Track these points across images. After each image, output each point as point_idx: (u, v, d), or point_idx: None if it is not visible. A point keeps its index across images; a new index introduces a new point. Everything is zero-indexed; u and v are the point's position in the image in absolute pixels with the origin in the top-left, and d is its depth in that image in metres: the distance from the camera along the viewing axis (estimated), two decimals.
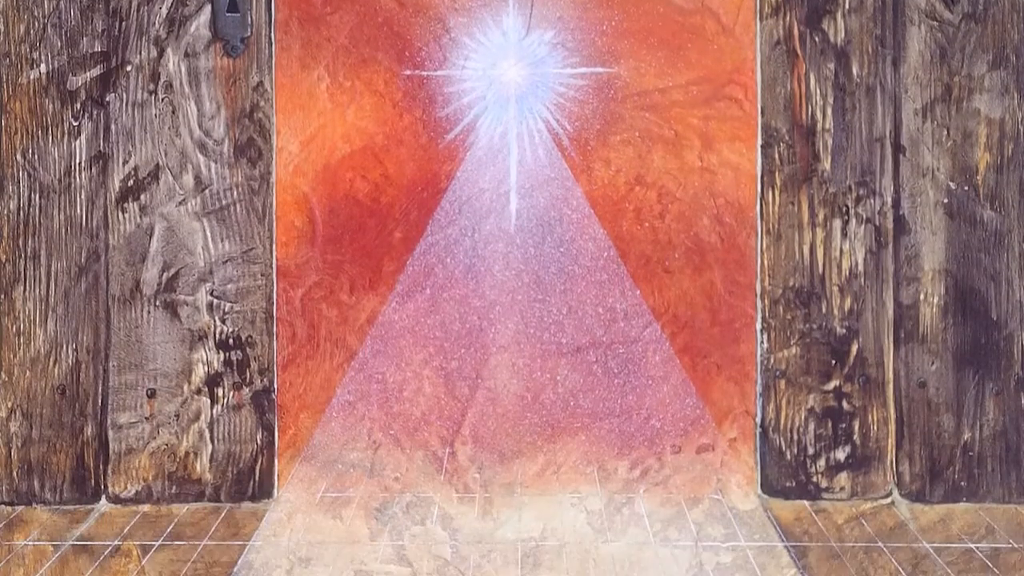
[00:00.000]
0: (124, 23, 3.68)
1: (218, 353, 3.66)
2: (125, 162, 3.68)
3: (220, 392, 3.63)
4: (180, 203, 3.69)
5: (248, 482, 3.58)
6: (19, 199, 3.65)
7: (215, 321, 3.67)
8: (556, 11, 3.83)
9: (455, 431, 3.70)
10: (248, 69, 3.72)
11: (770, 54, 3.74)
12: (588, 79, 3.82)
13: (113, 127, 3.68)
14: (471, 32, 3.85)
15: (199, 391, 3.63)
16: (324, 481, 3.56)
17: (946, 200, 3.69)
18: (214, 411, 3.62)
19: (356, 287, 3.79)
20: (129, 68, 3.69)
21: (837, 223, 3.70)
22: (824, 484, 3.57)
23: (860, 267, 3.69)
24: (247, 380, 3.65)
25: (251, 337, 3.68)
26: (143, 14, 3.68)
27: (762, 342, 3.69)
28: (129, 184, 3.67)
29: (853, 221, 3.69)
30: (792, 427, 3.62)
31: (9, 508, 3.47)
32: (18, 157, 3.65)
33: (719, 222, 3.80)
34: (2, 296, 3.63)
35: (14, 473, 3.54)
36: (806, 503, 3.50)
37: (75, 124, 3.68)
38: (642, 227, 3.81)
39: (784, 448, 3.61)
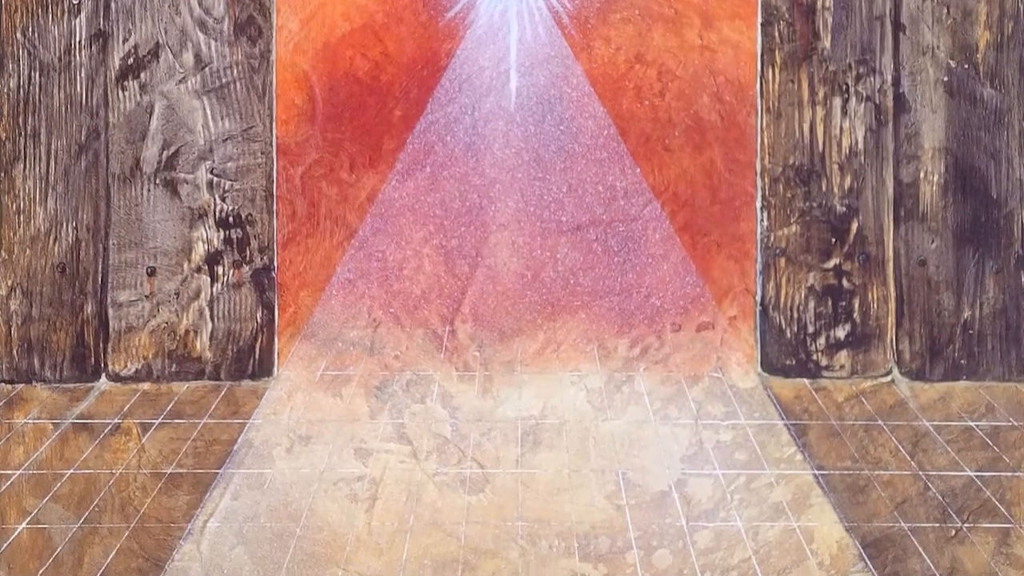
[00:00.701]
0: None
1: (218, 231, 3.39)
2: (125, 40, 3.42)
3: (220, 270, 3.37)
4: (180, 81, 3.41)
5: (248, 360, 3.33)
6: (19, 77, 3.39)
7: (215, 199, 3.40)
8: None
9: (455, 309, 3.44)
10: None
11: None
12: None
13: (113, 5, 3.43)
14: None
15: (199, 269, 3.37)
16: (324, 359, 3.31)
17: (946, 78, 3.40)
18: (214, 289, 3.36)
19: (356, 165, 3.51)
20: None
21: (837, 101, 3.42)
22: (824, 362, 3.32)
23: (860, 145, 3.42)
24: (247, 258, 3.39)
25: (251, 215, 3.41)
26: None
27: (762, 220, 3.42)
28: (129, 62, 3.41)
29: (853, 99, 3.42)
30: (792, 305, 3.36)
31: (9, 386, 3.22)
32: (18, 35, 3.39)
33: (719, 100, 3.52)
34: (2, 174, 3.37)
35: (14, 351, 3.28)
36: (806, 381, 3.25)
37: (75, 2, 3.43)
38: (642, 105, 3.52)
39: (784, 326, 3.35)
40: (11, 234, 3.37)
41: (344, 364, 3.29)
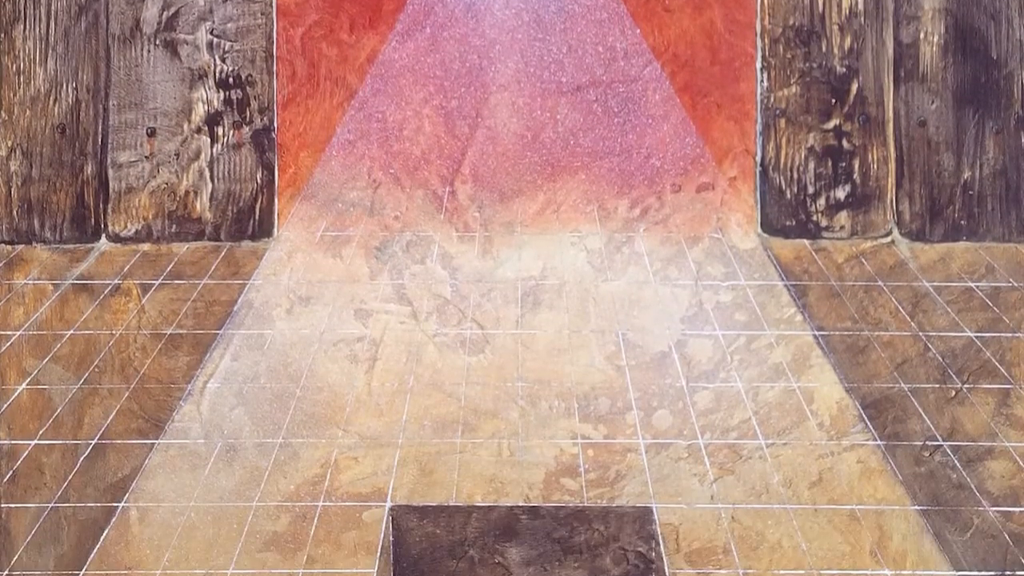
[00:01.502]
0: None
1: (218, 92, 3.11)
2: None
3: (220, 131, 3.10)
4: None
5: (248, 221, 3.07)
6: None
7: (215, 60, 3.11)
8: None
9: (455, 170, 3.17)
10: None
11: None
12: None
13: None
14: None
15: (199, 130, 3.09)
16: (324, 220, 3.05)
17: None
18: (214, 150, 3.09)
19: (356, 25, 3.21)
20: None
21: None
22: (824, 223, 3.06)
23: (860, 6, 3.12)
24: (247, 119, 3.11)
25: (251, 76, 3.13)
26: None
27: (762, 81, 3.14)
28: None
29: None
30: (792, 166, 3.09)
31: (9, 247, 2.97)
32: None
33: None
34: (2, 35, 3.07)
35: (14, 212, 3.03)
36: (806, 242, 3.00)
37: None
38: None
39: (784, 187, 3.09)
40: (11, 95, 3.08)
41: (344, 225, 3.04)
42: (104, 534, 2.08)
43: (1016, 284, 2.74)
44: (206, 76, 3.13)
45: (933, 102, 3.10)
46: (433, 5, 3.26)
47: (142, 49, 3.12)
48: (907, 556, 2.03)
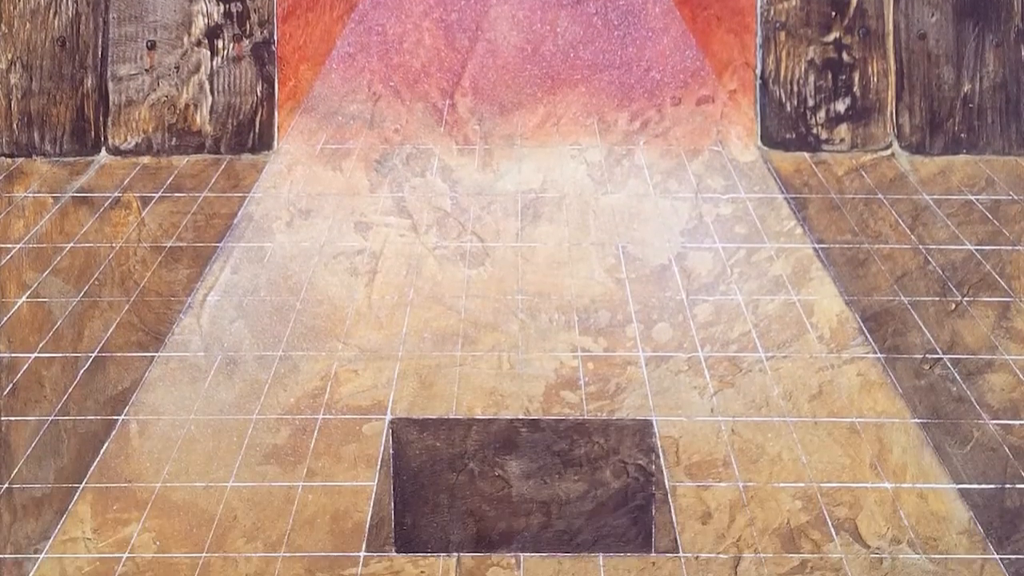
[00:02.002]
0: None
1: (218, 4, 2.93)
2: None
3: (220, 44, 2.92)
4: None
5: (248, 134, 2.90)
6: None
7: None
8: None
9: (455, 83, 3.00)
10: None
11: None
12: None
13: None
14: None
15: (199, 43, 2.91)
16: (324, 133, 2.88)
17: None
18: (214, 63, 2.91)
19: None
20: None
21: None
22: (824, 136, 2.89)
23: None
24: (247, 32, 2.93)
25: None
26: None
27: None
28: None
29: None
30: (792, 79, 2.92)
31: (9, 160, 2.81)
32: None
33: None
34: None
35: (14, 125, 2.86)
36: (806, 155, 2.84)
37: None
38: None
39: (784, 100, 2.92)
40: (11, 8, 2.90)
41: (344, 137, 2.87)
42: (104, 447, 1.97)
43: (1016, 197, 2.59)
44: None
45: (933, 15, 2.91)
46: None
47: None
48: (907, 469, 1.92)
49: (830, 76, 2.91)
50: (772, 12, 2.94)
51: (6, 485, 1.88)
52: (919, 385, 2.09)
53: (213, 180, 2.71)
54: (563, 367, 2.12)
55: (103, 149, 2.86)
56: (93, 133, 2.87)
